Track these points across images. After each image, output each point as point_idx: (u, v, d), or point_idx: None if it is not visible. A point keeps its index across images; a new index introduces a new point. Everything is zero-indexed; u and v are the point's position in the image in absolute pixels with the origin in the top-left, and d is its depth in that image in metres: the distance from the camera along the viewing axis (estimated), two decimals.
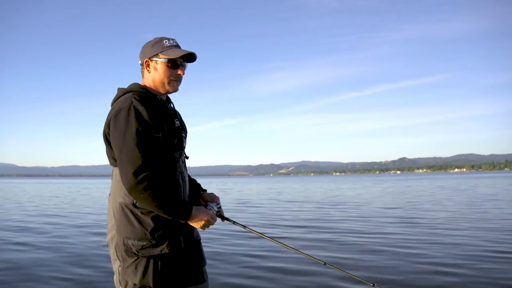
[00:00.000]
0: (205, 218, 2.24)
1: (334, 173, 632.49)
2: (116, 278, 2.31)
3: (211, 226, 2.32)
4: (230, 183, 76.24)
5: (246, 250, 8.46)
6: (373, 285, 2.62)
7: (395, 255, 7.83)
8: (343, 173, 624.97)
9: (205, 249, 2.56)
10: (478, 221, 12.63)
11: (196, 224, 2.24)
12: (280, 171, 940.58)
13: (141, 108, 2.14)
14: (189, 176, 2.68)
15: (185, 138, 2.50)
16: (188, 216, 2.19)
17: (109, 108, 2.32)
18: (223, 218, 2.51)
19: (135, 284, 2.17)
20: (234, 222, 2.54)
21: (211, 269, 6.41)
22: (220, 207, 2.53)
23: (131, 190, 2.09)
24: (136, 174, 2.06)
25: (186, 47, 2.39)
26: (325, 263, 2.65)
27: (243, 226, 2.58)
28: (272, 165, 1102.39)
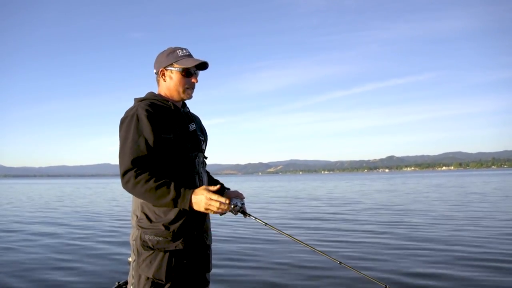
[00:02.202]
0: (204, 201, 2.14)
1: (322, 172, 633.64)
2: (129, 273, 2.40)
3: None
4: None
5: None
6: (386, 286, 2.68)
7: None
8: (331, 172, 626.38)
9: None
10: None
11: (199, 208, 2.16)
12: (269, 170, 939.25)
13: (144, 114, 2.27)
14: (211, 177, 2.84)
15: (204, 141, 2.63)
16: (187, 201, 2.16)
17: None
18: (246, 214, 2.57)
19: (148, 278, 2.27)
20: (256, 219, 2.59)
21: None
22: (243, 203, 2.60)
23: (125, 189, 2.23)
24: (123, 175, 2.21)
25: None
26: (340, 263, 2.72)
27: (265, 223, 2.63)
28: (260, 163, 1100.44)
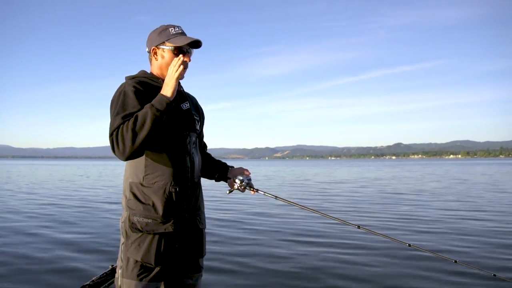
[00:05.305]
0: (170, 76, 2.16)
1: (329, 158, 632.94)
2: (118, 255, 2.36)
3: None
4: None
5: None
6: (409, 245, 2.72)
7: None
8: (338, 158, 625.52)
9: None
10: None
11: (169, 82, 2.15)
12: (275, 155, 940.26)
13: (131, 90, 2.19)
14: (212, 158, 2.78)
15: (199, 121, 2.54)
16: (160, 96, 2.13)
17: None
18: (254, 189, 2.54)
19: (136, 261, 2.22)
20: (265, 193, 2.56)
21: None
22: (250, 179, 2.56)
23: (120, 152, 2.07)
24: (111, 143, 2.07)
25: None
26: (358, 227, 2.71)
27: (275, 196, 2.60)
28: (267, 148, 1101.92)
